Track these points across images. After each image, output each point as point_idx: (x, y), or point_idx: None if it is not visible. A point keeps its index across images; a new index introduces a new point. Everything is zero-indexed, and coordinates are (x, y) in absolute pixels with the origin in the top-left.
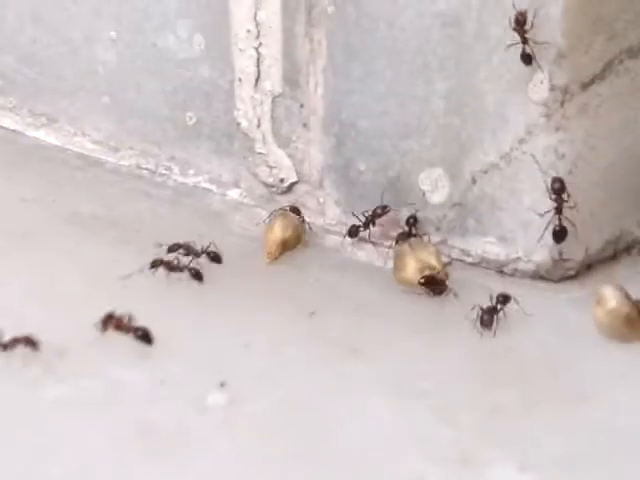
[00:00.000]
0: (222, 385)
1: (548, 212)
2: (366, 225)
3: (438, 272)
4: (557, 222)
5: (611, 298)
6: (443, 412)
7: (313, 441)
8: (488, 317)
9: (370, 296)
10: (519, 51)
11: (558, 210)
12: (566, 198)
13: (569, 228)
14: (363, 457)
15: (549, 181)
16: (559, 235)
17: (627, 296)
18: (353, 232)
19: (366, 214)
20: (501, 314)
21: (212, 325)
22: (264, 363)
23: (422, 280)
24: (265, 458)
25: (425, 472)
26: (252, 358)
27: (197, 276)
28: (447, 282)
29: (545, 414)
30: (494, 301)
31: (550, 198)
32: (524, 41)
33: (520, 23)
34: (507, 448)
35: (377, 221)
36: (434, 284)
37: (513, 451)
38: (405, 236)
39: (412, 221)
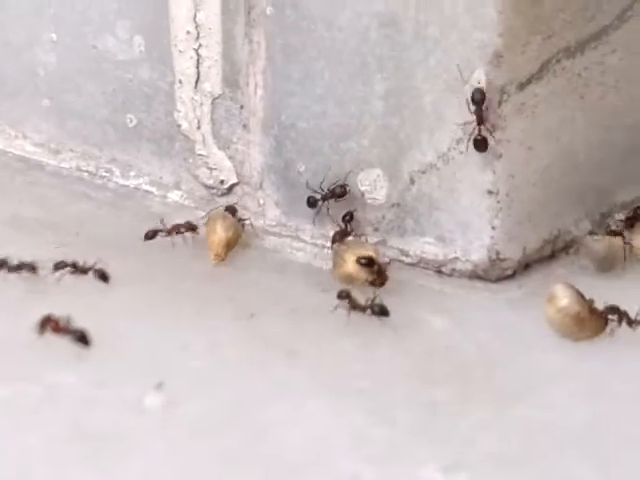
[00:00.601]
0: (159, 387)
1: (469, 123)
2: (324, 199)
3: (383, 270)
4: (477, 132)
5: (562, 296)
6: (379, 411)
7: (249, 443)
8: None
9: (309, 297)
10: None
11: (479, 121)
12: (484, 109)
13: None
14: (298, 458)
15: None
16: (479, 144)
17: (579, 295)
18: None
19: (324, 189)
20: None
21: (150, 327)
22: (202, 365)
23: (363, 261)
24: (201, 460)
25: (359, 472)
26: (190, 360)
27: (103, 277)
28: (387, 277)
29: (480, 412)
30: None
31: (470, 110)
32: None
33: (477, 102)
34: (441, 446)
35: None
36: (373, 266)
37: (447, 449)
38: (342, 234)
39: (348, 218)
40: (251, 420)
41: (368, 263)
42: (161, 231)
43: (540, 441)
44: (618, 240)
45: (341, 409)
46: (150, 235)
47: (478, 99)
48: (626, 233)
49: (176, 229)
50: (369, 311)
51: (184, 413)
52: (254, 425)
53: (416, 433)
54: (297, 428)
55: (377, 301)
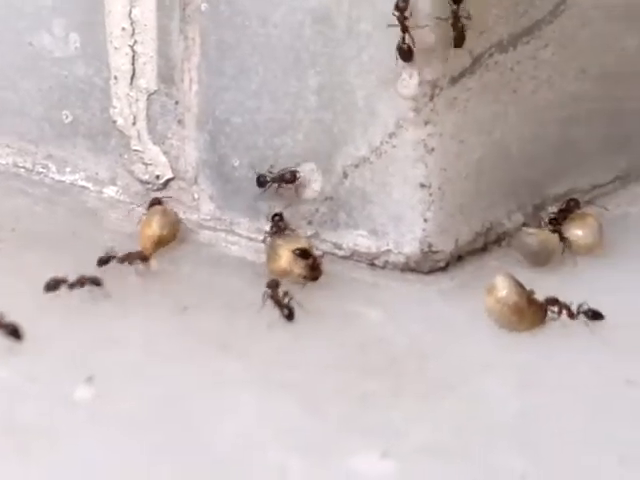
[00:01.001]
0: (89, 380)
1: (394, 25)
2: (274, 180)
3: (317, 265)
4: (401, 40)
5: (502, 287)
6: (310, 403)
7: (179, 436)
8: None
9: (242, 290)
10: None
11: (403, 28)
12: (408, 16)
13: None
14: (228, 451)
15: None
16: (404, 53)
17: (519, 286)
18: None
19: (272, 172)
20: None
21: (83, 321)
22: (133, 358)
23: (297, 252)
24: (132, 453)
25: (288, 463)
26: (122, 354)
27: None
28: (321, 271)
29: (412, 403)
30: None
31: (394, 14)
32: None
33: (401, 9)
34: (371, 437)
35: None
36: (308, 258)
37: (377, 440)
38: (277, 229)
39: (278, 218)
40: (181, 413)
41: (302, 254)
42: (113, 257)
43: (471, 432)
44: (551, 235)
45: (272, 401)
46: (103, 261)
47: (402, 6)
48: (559, 226)
49: (127, 258)
50: (285, 310)
51: (114, 406)
52: (184, 417)
53: (347, 425)
54: (227, 420)
55: (290, 303)
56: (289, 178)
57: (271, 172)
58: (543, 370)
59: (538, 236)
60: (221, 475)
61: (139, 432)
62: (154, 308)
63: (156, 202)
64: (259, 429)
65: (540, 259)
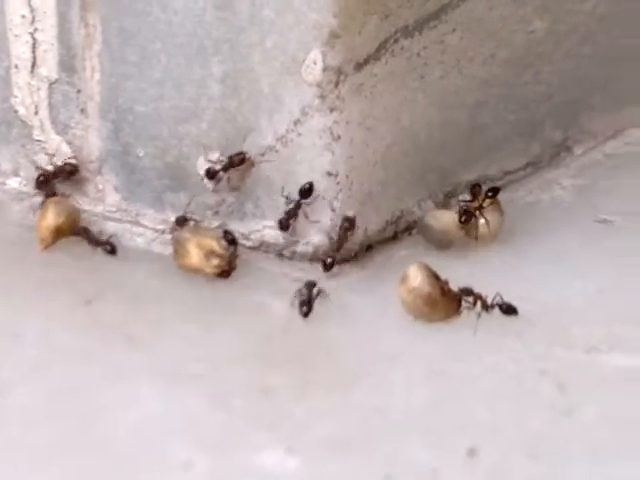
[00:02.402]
0: None
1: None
2: (224, 169)
3: (227, 260)
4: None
5: (414, 277)
6: (216, 396)
7: (81, 430)
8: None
9: (148, 282)
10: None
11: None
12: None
13: None
14: (129, 444)
15: None
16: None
17: (432, 276)
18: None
19: (222, 161)
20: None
21: None
22: (35, 353)
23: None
24: (31, 448)
25: (192, 458)
26: (22, 348)
27: None
28: (235, 267)
29: (318, 396)
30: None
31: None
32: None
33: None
34: (277, 432)
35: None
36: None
37: (282, 434)
38: (182, 221)
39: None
40: (83, 406)
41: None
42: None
43: (377, 424)
44: (452, 217)
45: (176, 394)
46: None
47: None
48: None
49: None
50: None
51: (15, 402)
52: (86, 411)
53: (251, 419)
54: (130, 414)
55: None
56: (238, 161)
57: (216, 162)
58: (449, 360)
59: (440, 219)
60: (123, 471)
61: (39, 428)
62: (56, 301)
63: (51, 193)
64: (163, 422)
65: (442, 242)
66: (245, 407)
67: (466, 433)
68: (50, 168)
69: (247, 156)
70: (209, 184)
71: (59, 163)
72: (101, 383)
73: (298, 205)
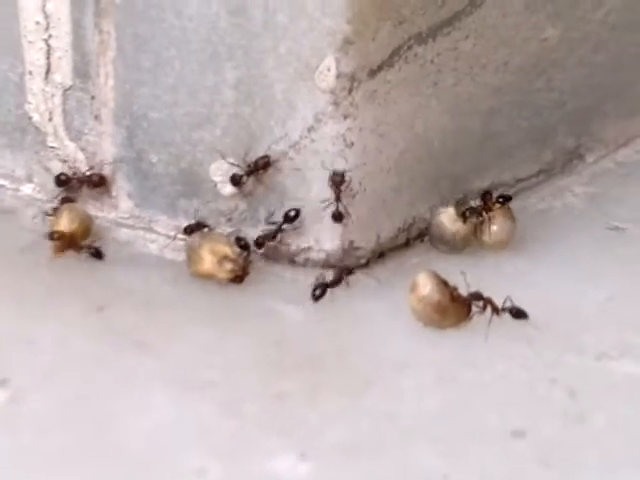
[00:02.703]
0: (3, 382)
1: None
2: (249, 174)
3: (241, 265)
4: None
5: (424, 285)
6: (228, 403)
7: (94, 437)
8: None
9: (161, 289)
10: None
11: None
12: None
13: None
14: (142, 451)
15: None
16: (335, 218)
17: (441, 283)
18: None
19: (249, 163)
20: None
21: None
22: (49, 359)
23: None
24: (45, 455)
25: (206, 465)
26: (36, 354)
27: None
28: (248, 273)
29: (330, 402)
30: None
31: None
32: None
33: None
34: (289, 437)
35: (259, 173)
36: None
37: (295, 440)
38: (196, 227)
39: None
40: (96, 413)
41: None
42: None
43: (387, 430)
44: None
45: (189, 401)
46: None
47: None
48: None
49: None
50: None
51: (29, 408)
52: (99, 418)
53: (264, 425)
54: (143, 420)
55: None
56: (263, 164)
57: (241, 166)
58: (460, 366)
59: (451, 223)
60: (135, 477)
61: (53, 434)
62: (69, 307)
63: (66, 200)
64: (176, 430)
65: (454, 246)
66: (257, 413)
67: (475, 439)
68: (76, 174)
69: (272, 159)
70: (232, 190)
71: (87, 172)
72: (114, 390)
73: (279, 229)
